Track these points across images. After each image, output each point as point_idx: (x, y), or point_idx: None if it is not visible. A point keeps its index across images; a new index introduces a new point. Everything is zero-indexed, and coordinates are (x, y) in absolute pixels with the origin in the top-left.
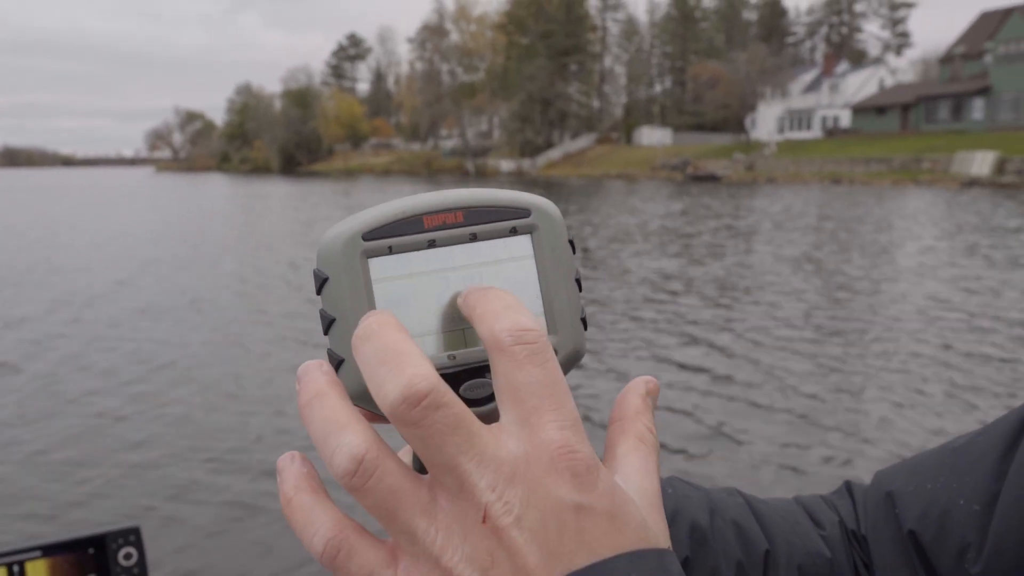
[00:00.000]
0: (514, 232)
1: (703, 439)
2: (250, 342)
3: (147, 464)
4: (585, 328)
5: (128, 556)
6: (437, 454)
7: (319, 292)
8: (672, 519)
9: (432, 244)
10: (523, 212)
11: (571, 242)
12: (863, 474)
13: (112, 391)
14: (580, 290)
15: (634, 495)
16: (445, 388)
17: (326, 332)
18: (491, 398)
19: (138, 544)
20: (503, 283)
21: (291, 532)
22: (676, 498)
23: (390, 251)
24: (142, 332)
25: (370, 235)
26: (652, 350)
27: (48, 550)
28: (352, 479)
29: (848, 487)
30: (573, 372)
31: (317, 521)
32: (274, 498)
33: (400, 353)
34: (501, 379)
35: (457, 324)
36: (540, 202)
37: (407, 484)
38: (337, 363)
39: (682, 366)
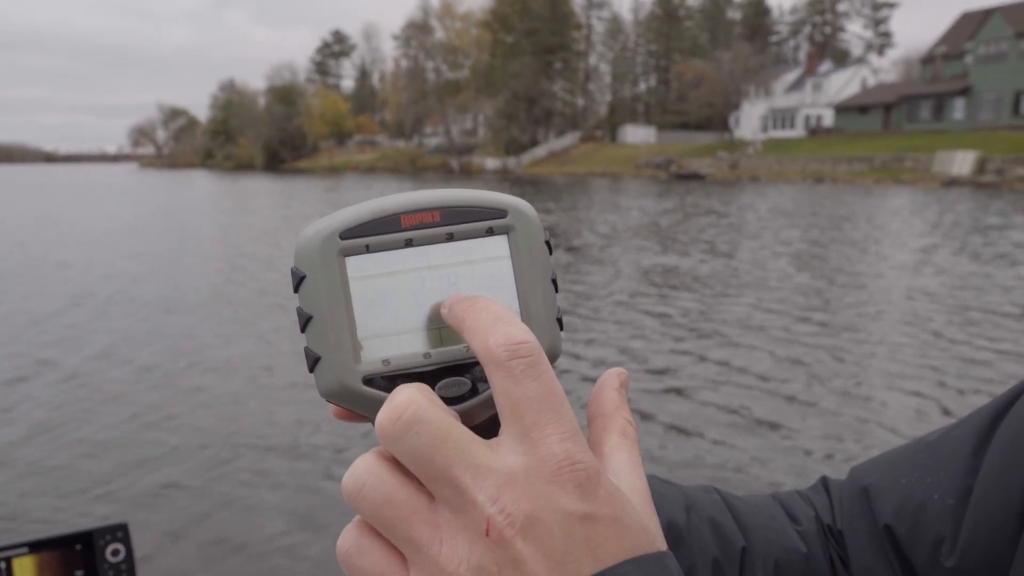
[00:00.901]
0: (491, 232)
1: (676, 434)
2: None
3: (135, 460)
4: (561, 328)
5: (116, 552)
6: (428, 468)
7: (296, 290)
8: None
9: (409, 243)
10: (500, 212)
11: (548, 243)
12: (842, 469)
13: (98, 386)
14: (556, 290)
15: (628, 494)
16: (429, 405)
17: (303, 330)
18: (467, 396)
19: (126, 540)
20: (479, 283)
21: (280, 531)
22: (652, 496)
23: (367, 250)
24: (124, 329)
25: (347, 234)
26: (625, 343)
27: (35, 546)
28: (349, 491)
29: (824, 482)
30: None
31: (351, 522)
32: (265, 493)
33: (396, 392)
34: (500, 394)
35: (433, 323)
36: (517, 203)
37: (404, 494)
38: (314, 361)
39: (658, 361)
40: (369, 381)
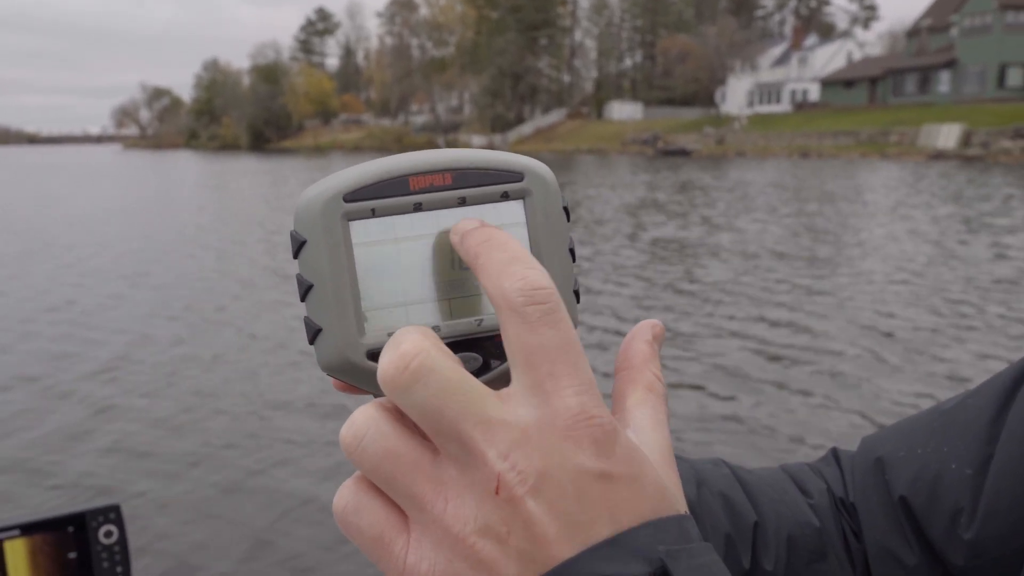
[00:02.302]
0: (506, 197)
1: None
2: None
3: (128, 442)
4: (578, 300)
5: (109, 534)
6: (437, 422)
7: (296, 256)
8: None
9: (418, 207)
10: (516, 176)
11: (566, 209)
12: (844, 439)
13: (91, 374)
14: (574, 260)
15: (649, 452)
16: (438, 353)
17: (303, 299)
18: (479, 372)
19: (118, 522)
20: None
21: (277, 514)
22: None
23: (373, 214)
24: (117, 309)
25: (352, 196)
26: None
27: (27, 529)
28: (348, 444)
29: (835, 454)
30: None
31: (346, 480)
32: (257, 476)
33: (401, 337)
34: (513, 342)
35: (443, 294)
36: (535, 165)
37: (406, 447)
38: (314, 332)
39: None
40: (374, 355)
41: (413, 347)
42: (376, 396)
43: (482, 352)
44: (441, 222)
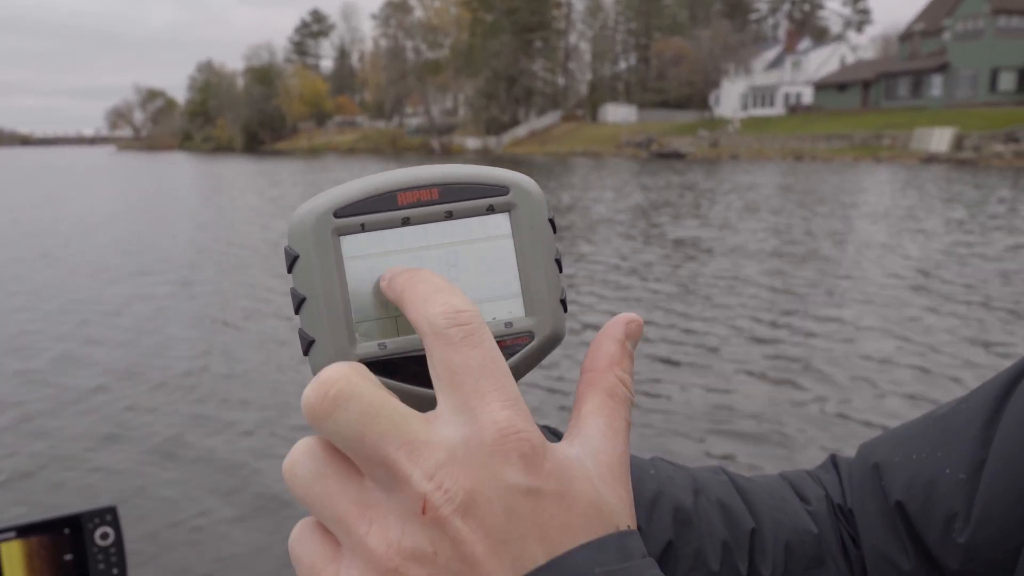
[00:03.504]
0: (491, 210)
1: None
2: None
3: (123, 446)
4: (565, 310)
5: (105, 536)
6: (360, 446)
7: (290, 270)
8: (655, 501)
9: (406, 222)
10: (501, 189)
11: (551, 221)
12: (842, 447)
13: (87, 374)
14: (560, 271)
15: (594, 465)
16: (359, 379)
17: (297, 311)
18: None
19: (115, 524)
20: (479, 263)
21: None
22: (659, 479)
23: (363, 228)
24: (112, 312)
25: (342, 212)
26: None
27: (23, 531)
28: (285, 475)
29: (833, 460)
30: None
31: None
32: (253, 479)
33: (324, 369)
34: (437, 364)
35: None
36: (519, 179)
37: (332, 470)
38: (308, 344)
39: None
40: (366, 365)
41: (334, 374)
42: None
43: None
44: (429, 236)
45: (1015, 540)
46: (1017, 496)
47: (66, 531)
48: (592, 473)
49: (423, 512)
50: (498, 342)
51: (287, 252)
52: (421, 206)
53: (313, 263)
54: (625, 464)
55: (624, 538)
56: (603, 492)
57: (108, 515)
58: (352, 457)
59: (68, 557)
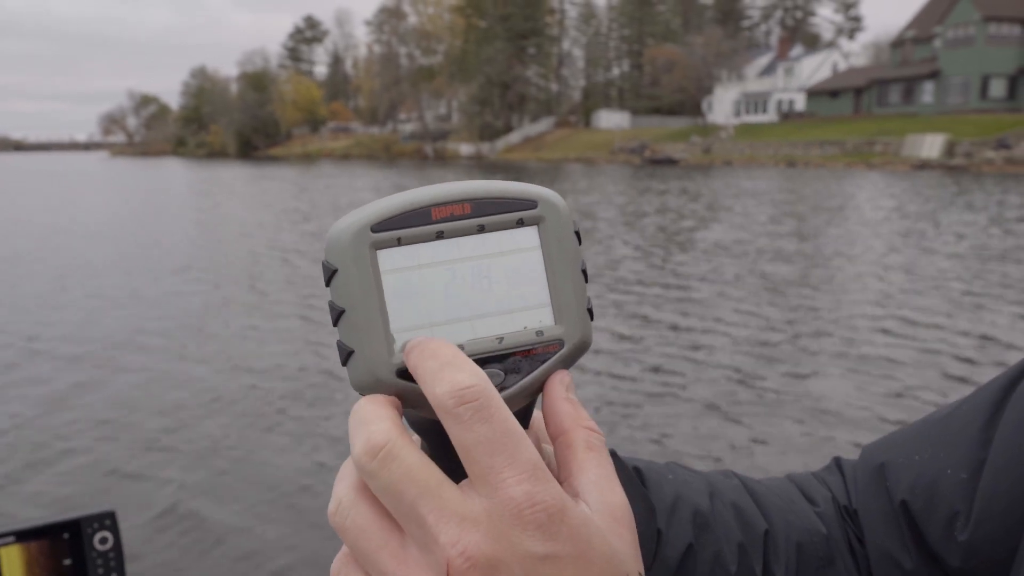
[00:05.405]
0: (521, 223)
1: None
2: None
3: (120, 450)
4: (592, 318)
5: (104, 540)
6: (398, 504)
7: (328, 284)
8: (674, 505)
9: (440, 235)
10: (530, 204)
11: (577, 233)
12: (832, 450)
13: (77, 378)
14: (586, 280)
15: (600, 517)
16: (404, 443)
17: (335, 324)
18: (501, 387)
19: (114, 528)
20: (510, 274)
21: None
22: (677, 484)
23: (399, 243)
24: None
25: (379, 227)
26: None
27: (22, 535)
28: (332, 518)
29: (838, 463)
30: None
31: (341, 550)
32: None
33: (369, 417)
34: (455, 440)
35: (465, 315)
36: (547, 194)
37: (377, 528)
38: (347, 354)
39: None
40: (403, 373)
41: (383, 436)
42: (404, 412)
43: (502, 367)
44: (462, 249)
45: (1014, 538)
46: (1016, 496)
47: (65, 536)
48: (602, 527)
49: (447, 574)
50: (529, 350)
51: (325, 266)
52: (454, 220)
53: (352, 276)
54: (626, 506)
55: None
56: (613, 543)
57: (107, 519)
58: (391, 510)
59: (67, 562)
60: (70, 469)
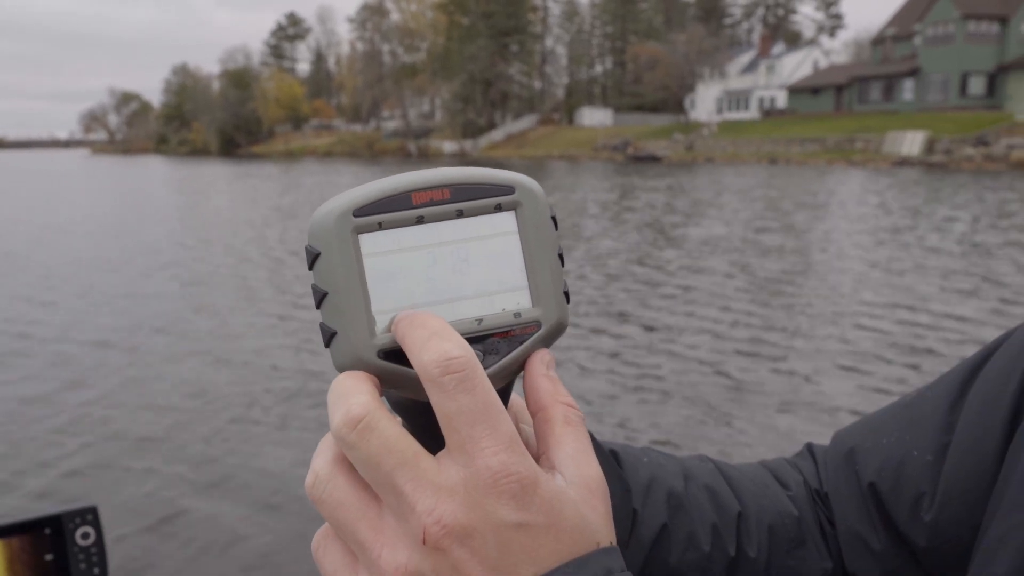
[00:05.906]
0: (499, 209)
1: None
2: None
3: (104, 445)
4: (568, 301)
5: (86, 536)
6: (376, 474)
7: (311, 267)
8: (649, 486)
9: (420, 220)
10: (507, 189)
11: (553, 218)
12: (805, 437)
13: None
14: (563, 264)
15: (574, 489)
16: (382, 415)
17: (318, 306)
18: (484, 366)
19: (95, 523)
20: (488, 258)
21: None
22: (652, 467)
23: (380, 227)
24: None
25: (361, 211)
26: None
27: (3, 531)
28: (310, 491)
29: (810, 448)
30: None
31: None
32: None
33: (349, 391)
34: (437, 409)
35: (444, 297)
36: (524, 180)
37: (354, 499)
38: (329, 335)
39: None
40: (384, 354)
41: (362, 408)
42: (384, 392)
43: (482, 348)
44: (442, 233)
45: (976, 518)
46: (978, 477)
47: (47, 531)
48: (575, 498)
49: (424, 541)
50: (508, 331)
51: (308, 250)
52: (434, 205)
53: (334, 260)
54: (601, 479)
55: (605, 554)
56: (586, 513)
57: (89, 515)
58: (369, 480)
59: (49, 557)
60: (56, 467)
